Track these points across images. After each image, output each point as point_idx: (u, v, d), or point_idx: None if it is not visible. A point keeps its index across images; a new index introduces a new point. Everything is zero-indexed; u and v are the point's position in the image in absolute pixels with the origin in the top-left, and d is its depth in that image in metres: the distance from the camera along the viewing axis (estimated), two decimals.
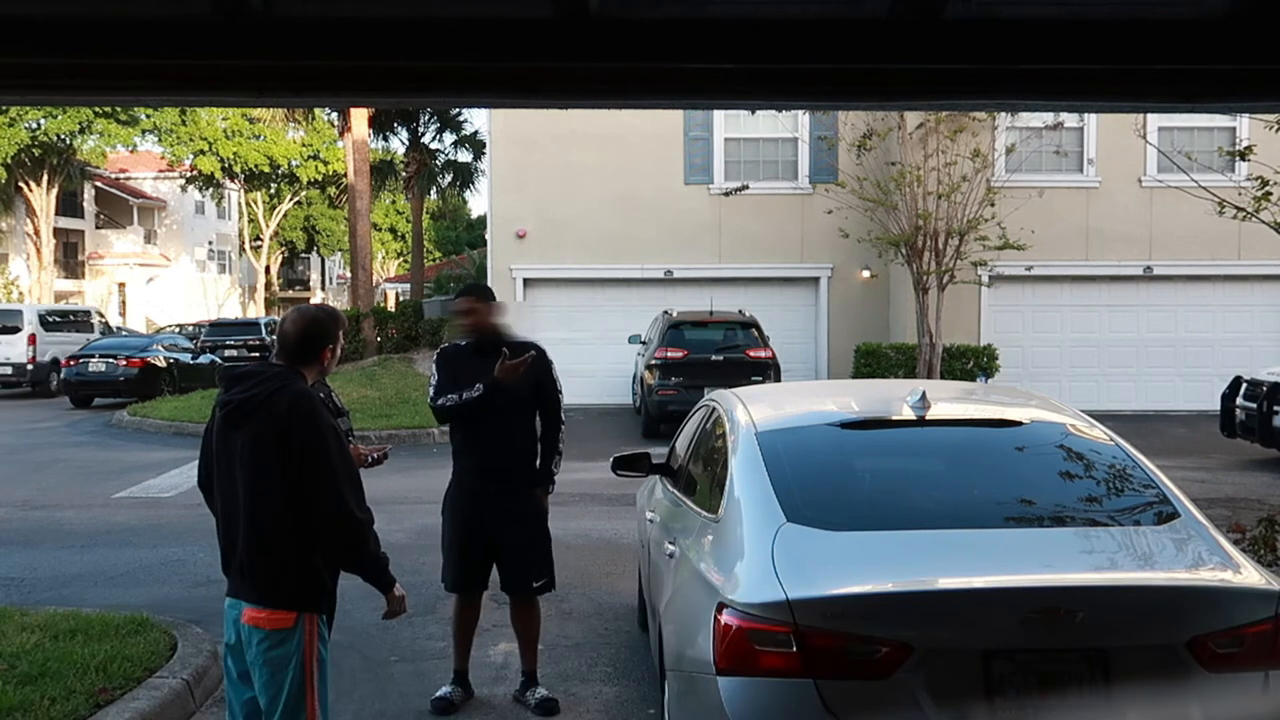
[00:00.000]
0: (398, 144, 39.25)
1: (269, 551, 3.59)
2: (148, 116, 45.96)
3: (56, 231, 48.42)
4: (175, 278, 57.87)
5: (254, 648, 3.62)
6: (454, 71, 4.54)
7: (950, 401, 5.18)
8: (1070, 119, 18.94)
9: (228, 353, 29.58)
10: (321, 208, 62.27)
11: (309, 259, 72.51)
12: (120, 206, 56.22)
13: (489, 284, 10.38)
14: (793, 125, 20.91)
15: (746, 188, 19.55)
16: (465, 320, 5.57)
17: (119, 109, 41.96)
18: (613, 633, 6.78)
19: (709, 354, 16.36)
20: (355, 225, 30.72)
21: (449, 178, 39.93)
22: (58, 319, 27.90)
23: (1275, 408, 12.85)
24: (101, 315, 31.87)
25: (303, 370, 3.73)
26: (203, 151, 50.05)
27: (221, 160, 50.55)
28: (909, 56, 4.39)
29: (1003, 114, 17.55)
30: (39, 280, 47.07)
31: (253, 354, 29.58)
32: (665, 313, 17.64)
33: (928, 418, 4.49)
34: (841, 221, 18.94)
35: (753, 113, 20.09)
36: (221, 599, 3.81)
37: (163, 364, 23.88)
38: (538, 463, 5.60)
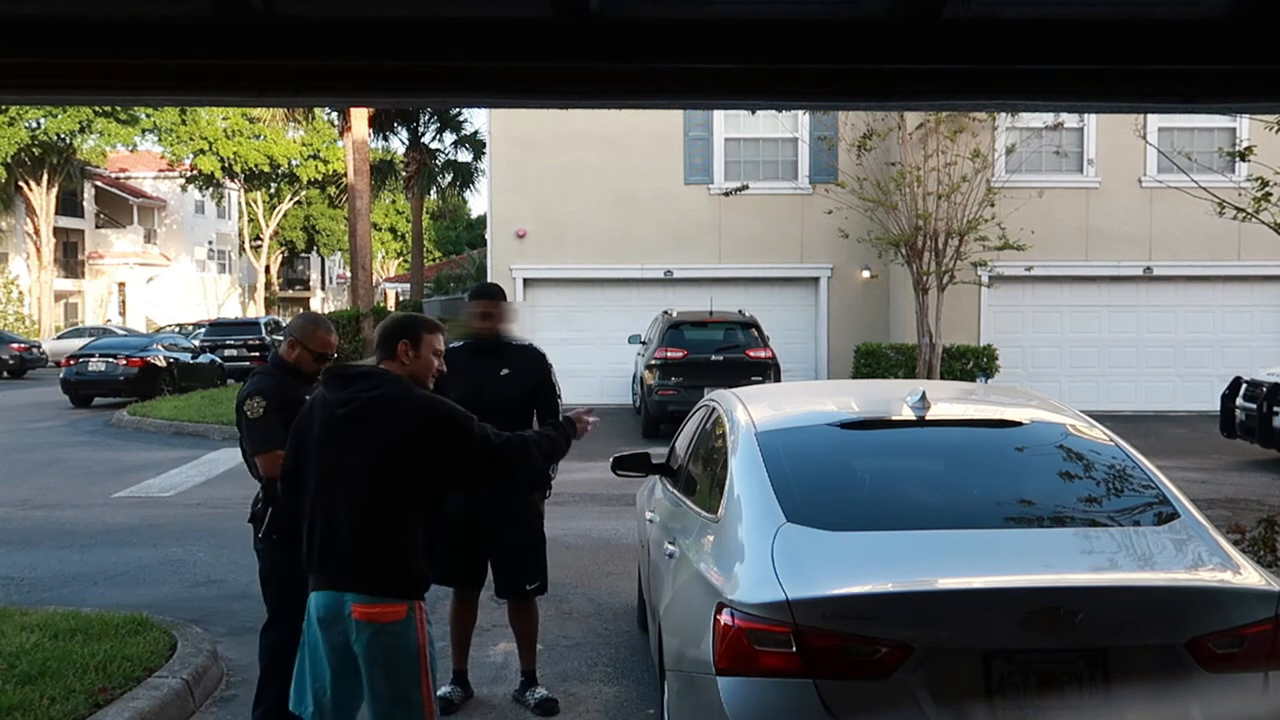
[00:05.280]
0: (398, 144, 39.33)
1: (386, 545, 3.67)
2: (148, 116, 46.00)
3: (56, 231, 48.43)
4: (175, 277, 57.89)
5: (365, 641, 3.65)
6: (454, 71, 4.54)
7: (950, 402, 5.17)
8: (1070, 119, 18.93)
9: (227, 352, 29.56)
10: (321, 207, 62.29)
11: (309, 259, 72.52)
12: (120, 206, 56.22)
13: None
14: (793, 125, 20.90)
15: (746, 188, 19.55)
16: (484, 324, 5.48)
17: (119, 109, 42.00)
18: (613, 633, 6.77)
19: (709, 354, 16.36)
20: (355, 225, 30.73)
21: (449, 178, 39.98)
22: None
23: (1275, 408, 12.84)
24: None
25: (391, 366, 3.89)
26: (203, 151, 50.09)
27: (221, 160, 50.59)
28: (909, 56, 4.39)
29: (1003, 114, 17.54)
30: (39, 280, 47.07)
31: (252, 354, 29.54)
32: (665, 313, 17.64)
33: (927, 418, 4.49)
34: (841, 222, 18.94)
35: (753, 113, 20.09)
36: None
37: (163, 364, 23.85)
38: None
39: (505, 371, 5.43)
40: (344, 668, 3.73)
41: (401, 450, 3.68)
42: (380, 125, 34.66)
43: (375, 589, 3.66)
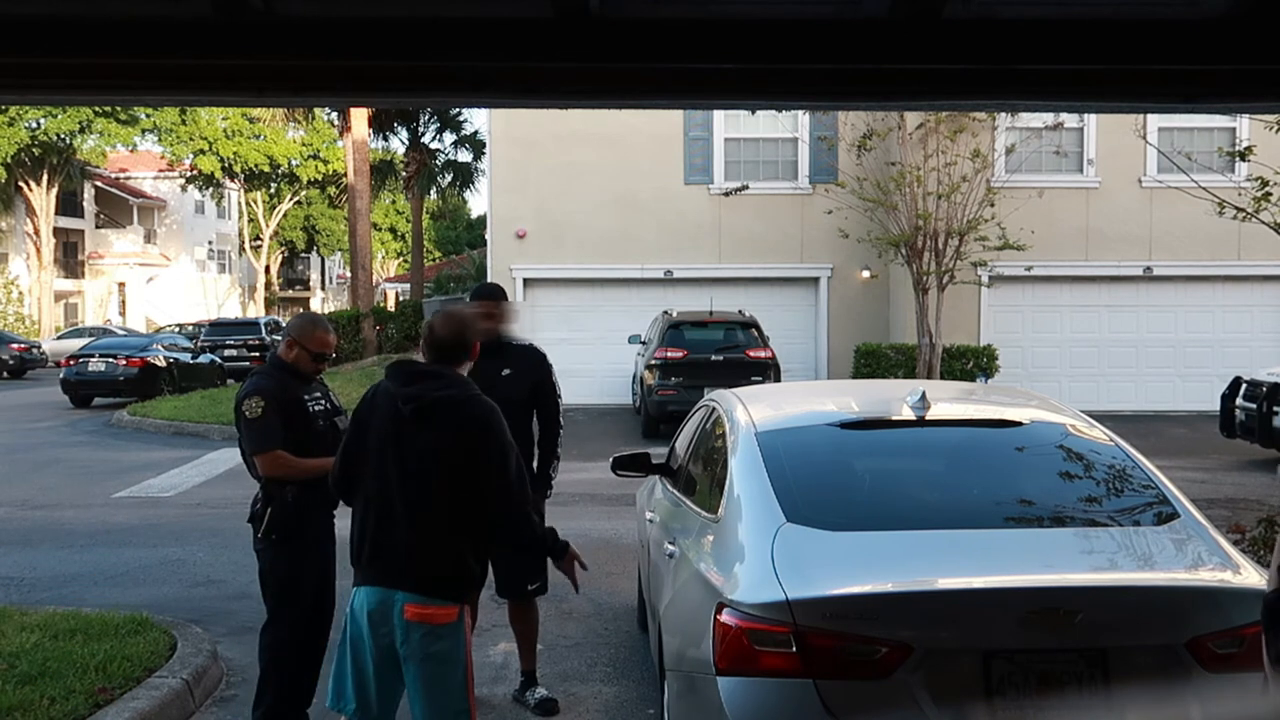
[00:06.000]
0: (398, 144, 39.33)
1: (442, 545, 3.68)
2: (148, 116, 46.00)
3: (56, 231, 48.42)
4: (175, 277, 57.88)
5: (414, 642, 3.64)
6: (454, 71, 4.54)
7: (950, 402, 5.18)
8: (1070, 119, 18.93)
9: (227, 352, 29.54)
10: (321, 207, 62.28)
11: (309, 259, 72.50)
12: (120, 206, 56.22)
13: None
14: (793, 125, 20.90)
15: (746, 188, 19.55)
16: (485, 324, 5.49)
17: (119, 109, 42.00)
18: (613, 633, 6.78)
19: (709, 354, 16.36)
20: (355, 225, 30.74)
21: (449, 178, 39.96)
22: None
23: (1275, 408, 12.84)
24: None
25: (458, 370, 3.93)
26: (203, 151, 50.09)
27: (221, 160, 50.59)
28: (909, 56, 4.39)
29: (1003, 114, 17.53)
30: (39, 280, 47.06)
31: (252, 354, 29.50)
32: (665, 313, 17.64)
33: (927, 418, 4.49)
34: (841, 222, 18.94)
35: (753, 113, 20.08)
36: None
37: (163, 364, 23.85)
38: (534, 465, 5.57)
39: (506, 372, 5.44)
40: (387, 666, 3.72)
41: (463, 450, 3.71)
42: (380, 125, 34.66)
43: (428, 589, 3.65)
